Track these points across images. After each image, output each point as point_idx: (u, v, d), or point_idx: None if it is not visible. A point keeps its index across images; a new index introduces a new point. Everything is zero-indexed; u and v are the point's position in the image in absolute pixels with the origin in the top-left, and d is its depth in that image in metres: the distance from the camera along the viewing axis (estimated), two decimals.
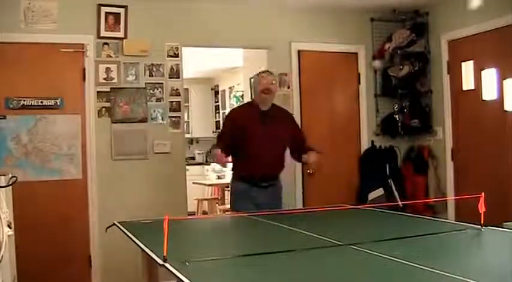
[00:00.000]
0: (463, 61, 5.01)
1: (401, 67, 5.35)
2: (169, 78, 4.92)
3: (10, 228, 2.61)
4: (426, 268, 1.80)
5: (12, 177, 2.69)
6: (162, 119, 4.89)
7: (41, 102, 4.51)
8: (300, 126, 4.44)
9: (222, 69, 9.26)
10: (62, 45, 4.55)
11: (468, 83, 4.98)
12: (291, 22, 5.30)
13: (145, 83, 4.84)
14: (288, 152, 4.02)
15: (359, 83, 5.59)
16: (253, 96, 4.36)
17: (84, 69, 4.66)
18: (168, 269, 1.86)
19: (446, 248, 2.30)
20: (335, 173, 5.35)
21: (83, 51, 4.64)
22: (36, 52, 4.50)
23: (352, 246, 2.22)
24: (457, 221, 3.68)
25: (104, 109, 4.71)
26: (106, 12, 4.69)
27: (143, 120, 4.83)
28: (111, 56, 4.73)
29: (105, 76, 4.70)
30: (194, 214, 7.40)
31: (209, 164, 9.15)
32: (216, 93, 10.42)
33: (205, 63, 8.39)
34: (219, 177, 8.53)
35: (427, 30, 5.36)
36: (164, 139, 4.88)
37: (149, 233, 2.67)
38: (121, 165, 4.74)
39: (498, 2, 4.51)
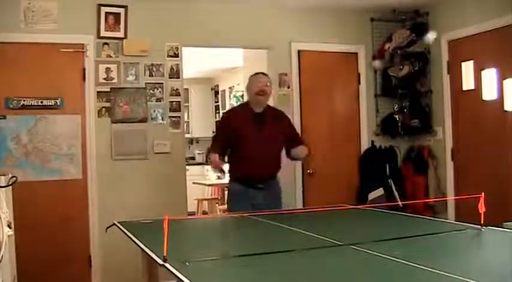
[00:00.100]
0: (463, 61, 5.01)
1: (401, 67, 5.35)
2: (169, 78, 4.92)
3: (10, 228, 2.61)
4: (426, 268, 1.80)
5: (12, 177, 2.69)
6: (162, 119, 4.89)
7: (41, 102, 4.51)
8: (294, 126, 4.42)
9: (222, 69, 9.25)
10: (62, 45, 4.55)
11: (468, 83, 4.98)
12: (291, 22, 5.30)
13: (145, 83, 4.84)
14: (284, 152, 4.02)
15: (359, 83, 5.59)
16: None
17: (84, 69, 4.66)
18: (168, 269, 1.86)
19: (446, 248, 2.30)
20: (335, 173, 5.36)
21: (83, 51, 4.64)
22: (36, 52, 4.50)
23: (352, 246, 2.22)
24: (457, 221, 3.68)
25: (104, 109, 4.71)
26: (106, 12, 4.69)
27: (143, 120, 4.83)
28: (111, 56, 4.73)
29: (105, 76, 4.70)
30: (194, 214, 7.39)
31: (209, 164, 9.12)
32: (216, 93, 10.42)
33: (205, 63, 8.39)
34: (219, 177, 8.51)
35: (427, 30, 5.36)
36: (164, 139, 4.88)
37: (149, 233, 2.67)
38: (121, 165, 4.74)
39: (498, 2, 4.51)
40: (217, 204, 7.93)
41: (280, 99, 5.19)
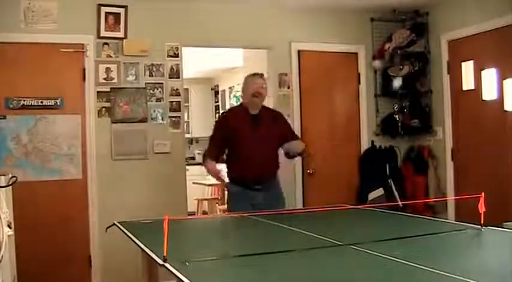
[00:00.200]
0: (463, 61, 5.01)
1: (401, 67, 5.35)
2: (169, 78, 4.92)
3: (10, 228, 2.61)
4: (426, 268, 1.80)
5: (12, 177, 2.70)
6: (162, 119, 4.89)
7: (41, 102, 4.51)
8: (293, 126, 4.42)
9: (222, 69, 9.25)
10: (62, 45, 4.55)
11: (468, 83, 4.98)
12: (291, 22, 5.30)
13: (145, 83, 4.84)
14: (282, 152, 4.02)
15: (359, 83, 5.59)
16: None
17: (84, 69, 4.66)
18: (168, 269, 1.86)
19: (446, 248, 2.30)
20: (335, 173, 5.36)
21: (83, 51, 4.64)
22: (36, 52, 4.50)
23: (352, 246, 2.22)
24: (457, 221, 3.68)
25: (104, 109, 4.71)
26: (106, 12, 4.69)
27: (143, 120, 4.83)
28: (111, 56, 4.73)
29: (105, 76, 4.70)
30: (194, 214, 7.39)
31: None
32: (216, 93, 10.42)
33: (205, 63, 8.38)
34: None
35: (427, 30, 5.36)
36: (164, 139, 4.88)
37: (149, 233, 2.67)
38: (121, 165, 4.74)
39: (498, 2, 4.51)
40: (217, 204, 7.93)
41: (280, 99, 5.19)
